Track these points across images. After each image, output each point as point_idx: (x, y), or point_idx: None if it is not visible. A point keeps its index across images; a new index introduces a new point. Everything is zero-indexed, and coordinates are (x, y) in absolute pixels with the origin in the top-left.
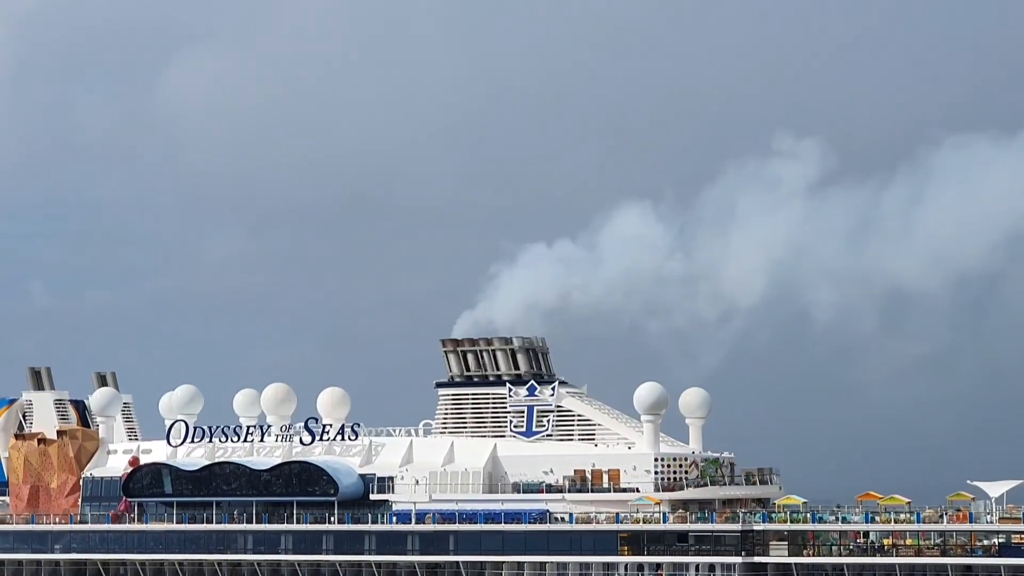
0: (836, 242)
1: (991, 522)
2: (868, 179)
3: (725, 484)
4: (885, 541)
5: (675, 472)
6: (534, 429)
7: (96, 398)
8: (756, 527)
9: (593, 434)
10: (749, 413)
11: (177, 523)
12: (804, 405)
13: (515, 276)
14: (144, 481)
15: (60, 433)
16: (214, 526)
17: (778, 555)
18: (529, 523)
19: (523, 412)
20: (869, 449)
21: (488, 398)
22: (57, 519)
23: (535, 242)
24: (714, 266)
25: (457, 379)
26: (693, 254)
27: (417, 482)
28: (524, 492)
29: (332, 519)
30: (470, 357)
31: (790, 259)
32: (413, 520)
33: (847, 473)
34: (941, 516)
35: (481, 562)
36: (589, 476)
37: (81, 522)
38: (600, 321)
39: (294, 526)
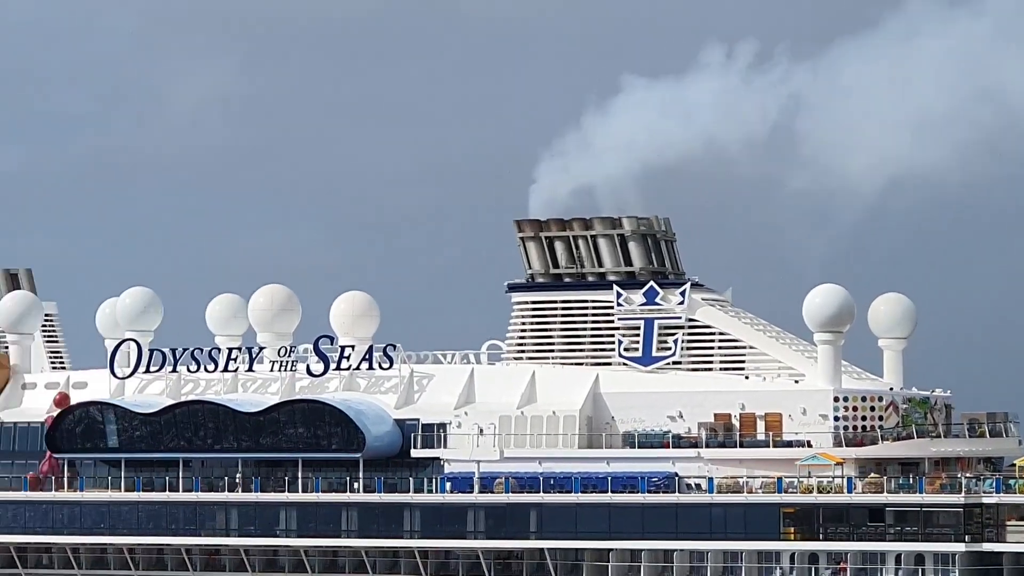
0: None
1: None
2: None
3: (938, 436)
4: None
5: (864, 418)
6: (655, 354)
7: (4, 307)
8: (986, 499)
9: (742, 361)
10: (973, 333)
11: (126, 491)
12: None
13: (624, 118)
14: (77, 429)
15: None
16: (181, 495)
17: (1020, 540)
18: (648, 492)
19: (638, 329)
20: None
21: (586, 308)
22: None
23: (657, 69)
24: None
25: (539, 279)
26: None
27: (481, 431)
28: (640, 447)
29: (355, 486)
30: (559, 246)
31: None
32: (476, 487)
33: None
34: None
35: (576, 549)
36: (736, 423)
37: None
38: (755, 187)
39: (299, 496)
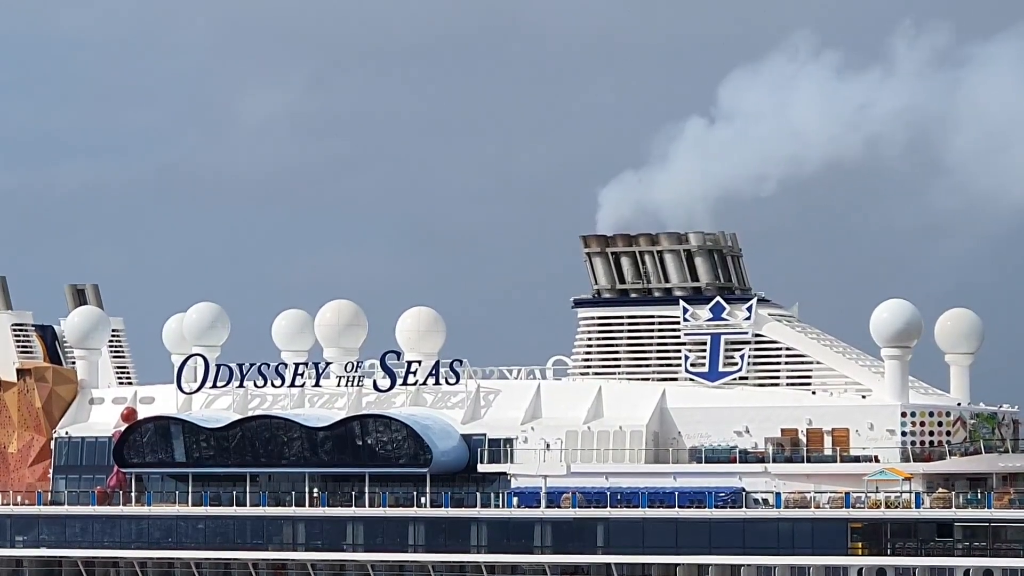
0: None
1: None
2: None
3: (1006, 451)
4: None
5: (932, 433)
6: (721, 369)
7: (72, 323)
8: None
9: (809, 376)
10: None
11: (193, 505)
12: None
13: (696, 138)
14: (145, 444)
15: (21, 373)
16: (248, 510)
17: None
18: (715, 507)
19: (704, 344)
20: None
21: (652, 323)
22: (18, 498)
23: (729, 82)
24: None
25: (606, 294)
26: None
27: (548, 446)
28: (707, 461)
29: (423, 500)
30: (625, 262)
31: None
32: (543, 503)
33: None
34: None
35: (644, 564)
36: (803, 438)
37: (53, 503)
38: (818, 205)
39: (366, 511)
